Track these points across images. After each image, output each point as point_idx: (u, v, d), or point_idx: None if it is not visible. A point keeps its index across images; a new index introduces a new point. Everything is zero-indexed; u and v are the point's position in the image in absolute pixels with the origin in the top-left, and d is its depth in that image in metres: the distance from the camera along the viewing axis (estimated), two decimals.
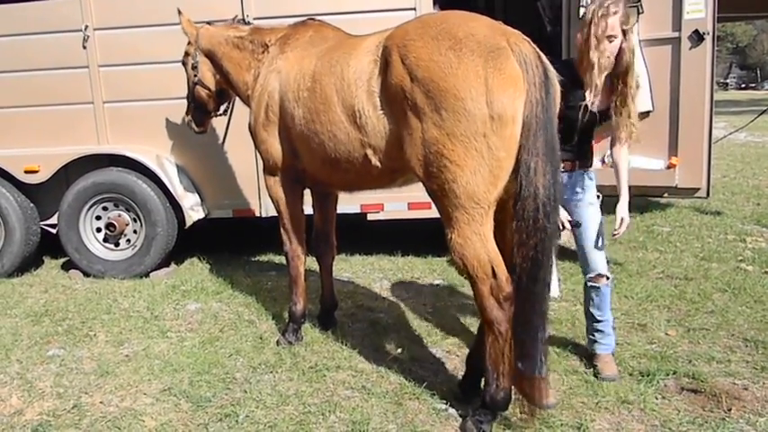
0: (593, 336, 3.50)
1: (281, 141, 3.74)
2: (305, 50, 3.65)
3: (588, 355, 3.52)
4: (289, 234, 3.95)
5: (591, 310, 3.50)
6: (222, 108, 4.65)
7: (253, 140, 3.94)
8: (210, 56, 4.21)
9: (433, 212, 4.80)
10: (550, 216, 2.60)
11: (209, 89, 4.35)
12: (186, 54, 4.38)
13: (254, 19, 5.04)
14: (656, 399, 3.05)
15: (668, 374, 3.26)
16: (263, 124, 3.79)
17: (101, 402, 3.26)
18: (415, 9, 5.01)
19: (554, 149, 2.62)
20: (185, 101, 4.63)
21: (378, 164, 3.13)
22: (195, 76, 4.33)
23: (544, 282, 2.67)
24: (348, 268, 5.48)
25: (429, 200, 4.71)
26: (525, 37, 2.72)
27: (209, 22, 4.31)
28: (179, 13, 4.36)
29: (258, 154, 4.01)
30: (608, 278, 3.48)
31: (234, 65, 4.10)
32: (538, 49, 2.69)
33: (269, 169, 3.91)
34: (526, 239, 2.60)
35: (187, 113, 4.65)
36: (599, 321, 3.49)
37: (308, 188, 3.98)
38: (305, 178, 3.81)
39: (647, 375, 3.24)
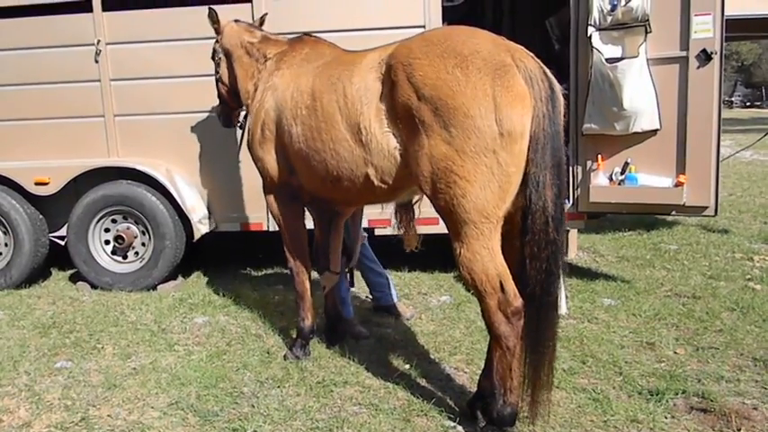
0: (383, 290, 4.64)
1: (277, 159, 3.75)
2: (301, 67, 3.67)
3: (376, 306, 4.72)
4: (291, 250, 3.94)
5: (370, 265, 4.62)
6: (242, 116, 4.67)
7: (251, 158, 3.95)
8: (228, 55, 4.21)
9: (440, 228, 4.85)
10: (559, 228, 2.67)
11: (227, 86, 4.33)
12: (214, 50, 4.37)
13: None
14: (666, 418, 3.04)
15: (677, 393, 3.24)
16: (259, 141, 3.80)
17: (108, 415, 3.26)
18: (424, 26, 5.06)
19: (560, 162, 2.68)
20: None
21: (380, 182, 3.14)
22: (217, 72, 4.34)
23: (555, 292, 2.72)
24: (355, 283, 5.48)
25: (436, 216, 4.75)
26: (529, 52, 2.76)
27: (236, 20, 4.30)
28: (209, 9, 4.25)
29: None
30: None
31: (243, 70, 4.11)
32: (542, 64, 2.74)
33: (267, 186, 3.92)
34: (538, 252, 2.66)
35: (217, 108, 4.68)
36: (381, 275, 4.65)
37: (305, 204, 3.97)
38: (302, 195, 3.80)
39: (657, 394, 3.22)
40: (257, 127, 3.80)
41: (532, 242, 2.66)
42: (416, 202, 3.89)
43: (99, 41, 5.49)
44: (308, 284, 3.98)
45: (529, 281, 2.69)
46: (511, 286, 2.72)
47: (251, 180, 5.50)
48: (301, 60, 3.74)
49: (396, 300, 4.66)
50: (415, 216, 3.89)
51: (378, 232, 5.45)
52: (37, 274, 5.83)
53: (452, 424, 3.04)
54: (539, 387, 2.74)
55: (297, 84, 3.57)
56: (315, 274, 4.08)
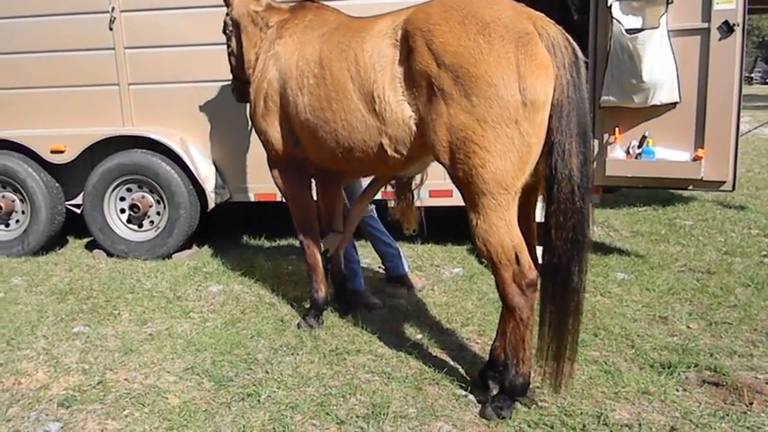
0: (394, 261, 4.61)
1: (281, 131, 3.70)
2: (304, 35, 3.59)
3: (388, 277, 4.73)
4: (301, 224, 3.94)
5: (380, 236, 4.54)
6: None
7: (254, 130, 3.92)
8: (236, 26, 4.15)
9: (454, 201, 4.83)
10: (585, 197, 2.61)
11: (239, 59, 4.26)
12: (225, 24, 4.31)
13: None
14: (677, 391, 3.04)
15: (689, 367, 3.23)
16: (262, 114, 3.75)
17: (125, 379, 3.32)
18: None
19: (586, 130, 2.63)
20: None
21: (394, 152, 3.10)
22: (229, 46, 4.29)
23: (582, 262, 2.66)
24: (368, 254, 5.50)
25: (450, 188, 4.72)
26: (550, 20, 2.71)
27: None
28: None
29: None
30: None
31: (248, 40, 4.04)
32: (564, 31, 2.69)
33: (271, 159, 3.89)
34: (564, 222, 2.61)
35: (232, 83, 4.63)
36: (392, 246, 4.59)
37: (311, 176, 3.94)
38: (307, 166, 3.76)
39: (669, 367, 3.22)
40: (260, 98, 3.74)
41: (558, 211, 2.61)
42: (417, 187, 3.86)
43: (113, 9, 5.46)
44: (319, 256, 3.98)
45: (554, 251, 2.64)
46: (526, 258, 2.71)
47: (264, 150, 5.50)
48: (305, 28, 3.66)
49: (407, 270, 4.67)
50: (415, 199, 3.86)
51: (390, 204, 5.44)
52: (54, 242, 5.90)
53: (464, 393, 3.07)
54: (562, 358, 2.71)
55: (302, 52, 3.49)
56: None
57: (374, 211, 4.57)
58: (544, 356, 2.75)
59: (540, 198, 2.93)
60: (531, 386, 2.90)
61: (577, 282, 2.67)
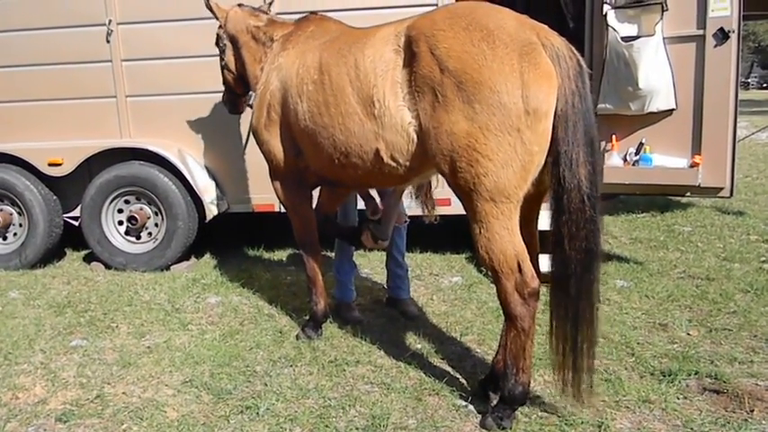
0: (397, 283, 4.35)
1: (282, 141, 3.71)
2: (306, 44, 3.61)
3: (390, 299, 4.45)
4: (301, 236, 3.93)
5: (396, 255, 4.29)
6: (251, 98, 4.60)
7: (256, 142, 3.92)
8: (233, 41, 4.16)
9: (452, 209, 4.83)
10: (596, 206, 2.59)
11: (233, 73, 4.29)
12: (218, 36, 4.32)
13: (277, 14, 5.05)
14: (678, 399, 3.03)
15: (690, 374, 3.22)
16: (264, 125, 3.76)
17: (123, 393, 3.30)
18: (436, 5, 5.00)
19: (593, 139, 2.61)
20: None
21: (390, 159, 3.07)
22: (222, 59, 4.30)
23: (596, 271, 2.64)
24: (367, 264, 5.50)
25: (448, 196, 4.72)
26: (553, 31, 2.71)
27: (240, 5, 4.27)
28: None
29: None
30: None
31: (250, 55, 4.06)
32: (568, 42, 2.69)
33: (273, 172, 3.89)
34: (576, 232, 2.58)
35: (223, 96, 4.64)
36: (402, 267, 4.33)
37: (313, 187, 3.92)
38: (308, 177, 3.75)
39: (669, 375, 3.21)
40: (262, 110, 3.75)
41: (570, 222, 2.58)
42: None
43: (110, 21, 5.47)
44: (318, 269, 3.97)
45: (568, 261, 2.61)
46: (528, 267, 2.70)
47: (263, 161, 5.48)
48: (306, 38, 3.68)
49: (407, 297, 4.45)
50: (432, 186, 3.87)
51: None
52: (51, 255, 5.88)
53: (464, 403, 3.06)
54: (581, 370, 2.67)
55: (302, 60, 3.51)
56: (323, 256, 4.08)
57: (405, 226, 4.38)
58: (562, 368, 2.71)
59: (545, 207, 2.91)
60: (530, 395, 2.88)
61: (592, 291, 2.64)
